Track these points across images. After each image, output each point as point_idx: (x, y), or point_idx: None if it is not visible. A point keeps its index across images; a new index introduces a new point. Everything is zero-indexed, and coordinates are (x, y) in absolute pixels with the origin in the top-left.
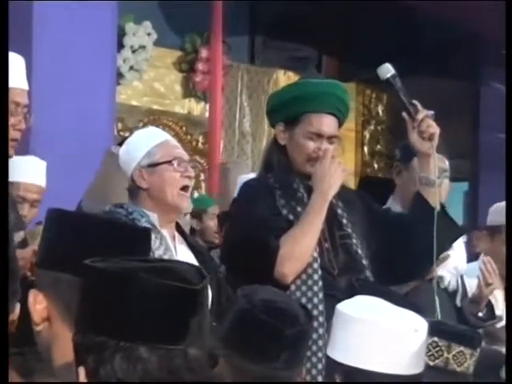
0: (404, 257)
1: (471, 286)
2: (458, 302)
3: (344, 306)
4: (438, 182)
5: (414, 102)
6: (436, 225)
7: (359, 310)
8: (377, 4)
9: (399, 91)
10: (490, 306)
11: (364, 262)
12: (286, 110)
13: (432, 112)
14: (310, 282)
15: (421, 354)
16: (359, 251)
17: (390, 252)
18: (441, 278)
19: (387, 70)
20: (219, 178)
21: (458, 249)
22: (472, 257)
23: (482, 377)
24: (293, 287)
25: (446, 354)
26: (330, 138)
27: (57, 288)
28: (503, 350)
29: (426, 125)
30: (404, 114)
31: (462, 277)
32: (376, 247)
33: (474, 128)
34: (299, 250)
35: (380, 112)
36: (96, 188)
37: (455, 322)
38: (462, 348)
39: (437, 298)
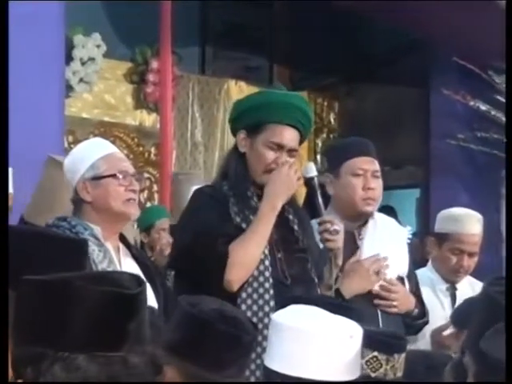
0: None
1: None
2: None
3: (278, 315)
4: (334, 287)
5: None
6: None
7: (293, 318)
8: (326, 12)
9: (317, 193)
10: (422, 304)
11: (314, 277)
12: (250, 118)
13: (338, 228)
14: (261, 291)
15: (357, 360)
16: (309, 266)
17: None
18: None
19: (311, 170)
20: (171, 189)
21: (401, 253)
22: (423, 262)
23: (424, 378)
24: (244, 295)
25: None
26: (291, 152)
27: None
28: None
29: (326, 238)
30: (314, 222)
31: (402, 279)
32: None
33: (425, 134)
34: (245, 257)
35: (332, 120)
36: (39, 200)
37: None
38: (375, 354)
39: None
